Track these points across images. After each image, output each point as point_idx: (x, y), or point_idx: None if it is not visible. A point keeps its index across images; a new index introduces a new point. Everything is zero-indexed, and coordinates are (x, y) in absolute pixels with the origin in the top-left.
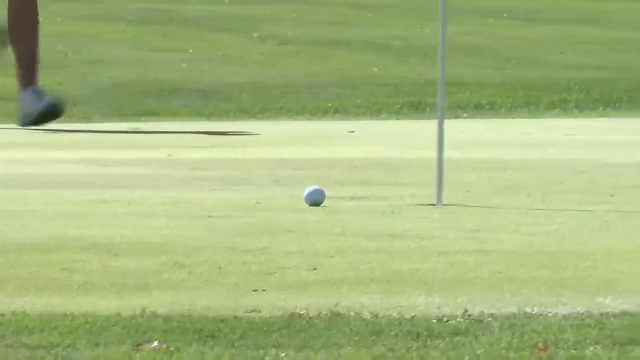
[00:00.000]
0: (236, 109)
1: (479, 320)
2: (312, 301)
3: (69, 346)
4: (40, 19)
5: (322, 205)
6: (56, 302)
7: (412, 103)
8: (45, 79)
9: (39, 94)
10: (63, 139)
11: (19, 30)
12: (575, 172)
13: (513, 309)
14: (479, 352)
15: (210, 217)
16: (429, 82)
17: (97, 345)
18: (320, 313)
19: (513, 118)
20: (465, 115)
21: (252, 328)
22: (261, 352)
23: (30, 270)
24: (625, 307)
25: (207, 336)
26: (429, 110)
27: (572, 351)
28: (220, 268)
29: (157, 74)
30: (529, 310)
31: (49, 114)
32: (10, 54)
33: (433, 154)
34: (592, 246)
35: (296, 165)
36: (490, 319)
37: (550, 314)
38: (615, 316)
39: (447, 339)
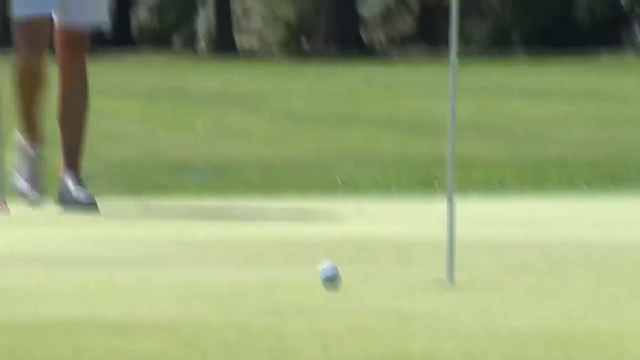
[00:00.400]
0: (246, 186)
1: None
2: None
3: None
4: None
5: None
6: None
7: (422, 180)
8: (51, 154)
9: (77, 184)
10: (73, 216)
11: (68, 115)
12: (585, 250)
13: None
14: None
15: (220, 296)
16: (438, 158)
17: None
18: None
19: (522, 195)
20: (475, 192)
21: None
22: None
23: (41, 350)
24: None
25: None
26: (438, 187)
27: None
28: (230, 348)
29: (167, 150)
30: None
31: (79, 210)
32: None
33: (443, 232)
34: (602, 326)
35: (306, 243)
36: None
37: None
38: None
39: None
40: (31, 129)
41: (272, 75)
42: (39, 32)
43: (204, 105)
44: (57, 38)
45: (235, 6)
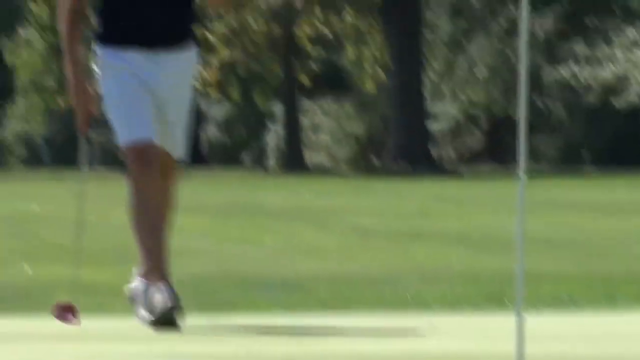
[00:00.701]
0: (316, 302)
1: None
2: None
3: None
4: (107, 208)
5: None
6: None
7: (491, 295)
8: (115, 270)
9: (167, 291)
10: (144, 332)
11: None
12: None
13: None
14: None
15: None
16: (507, 274)
17: None
18: None
19: (592, 311)
20: (545, 307)
21: None
22: None
23: None
24: None
25: None
26: (508, 302)
27: None
28: None
29: (237, 266)
30: None
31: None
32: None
33: (513, 347)
34: None
35: (376, 359)
36: None
37: None
38: None
39: None
40: (156, 262)
41: (342, 191)
42: (152, 152)
43: (274, 221)
44: None
45: (304, 122)
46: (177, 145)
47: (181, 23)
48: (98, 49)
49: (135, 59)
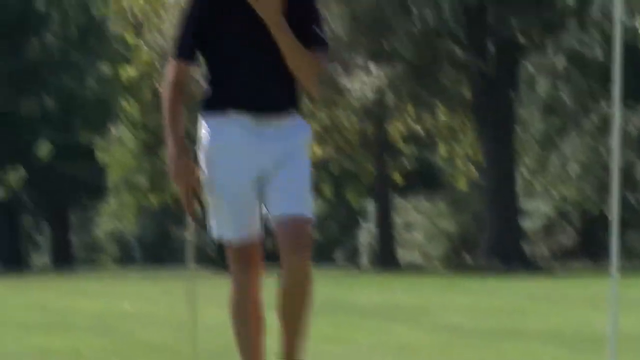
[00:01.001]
0: None
1: None
2: None
3: None
4: (200, 307)
5: None
6: None
7: None
8: None
9: None
10: None
11: (288, 315)
12: None
13: None
14: None
15: None
16: None
17: None
18: None
19: None
20: None
21: None
22: None
23: None
24: None
25: None
26: None
27: None
28: None
29: None
30: None
31: None
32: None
33: None
34: None
35: None
36: None
37: None
38: None
39: None
40: None
41: (434, 288)
42: (252, 252)
43: (367, 319)
44: (279, 234)
45: (397, 220)
46: (297, 205)
47: (284, 91)
48: (204, 120)
49: (239, 128)
